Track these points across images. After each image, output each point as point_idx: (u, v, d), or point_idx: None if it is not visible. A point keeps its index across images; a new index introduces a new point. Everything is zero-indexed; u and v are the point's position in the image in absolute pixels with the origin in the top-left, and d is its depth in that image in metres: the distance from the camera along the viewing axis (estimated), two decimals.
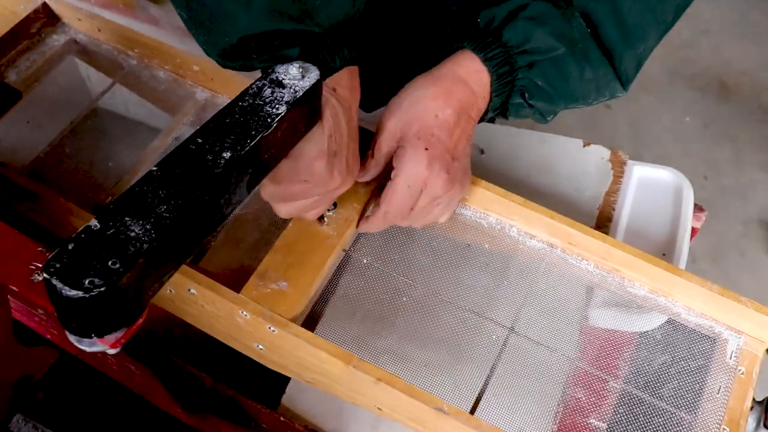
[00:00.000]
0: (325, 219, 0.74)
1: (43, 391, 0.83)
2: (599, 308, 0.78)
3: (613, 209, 0.93)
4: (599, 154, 0.99)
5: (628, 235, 0.91)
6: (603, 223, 0.92)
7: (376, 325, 0.73)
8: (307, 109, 0.61)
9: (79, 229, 0.48)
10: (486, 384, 0.69)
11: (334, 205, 0.74)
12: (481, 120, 0.76)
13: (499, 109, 0.78)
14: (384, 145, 0.72)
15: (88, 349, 0.51)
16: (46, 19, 0.87)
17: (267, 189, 0.67)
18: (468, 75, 0.73)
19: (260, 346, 0.71)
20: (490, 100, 0.75)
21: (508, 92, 0.76)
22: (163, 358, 0.76)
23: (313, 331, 0.71)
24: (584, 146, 1.00)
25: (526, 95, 0.76)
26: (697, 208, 1.00)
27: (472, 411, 0.67)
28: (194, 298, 0.70)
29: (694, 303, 0.74)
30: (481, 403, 0.67)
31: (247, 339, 0.72)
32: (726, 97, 2.56)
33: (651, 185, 0.96)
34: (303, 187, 0.66)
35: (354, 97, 0.69)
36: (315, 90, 0.60)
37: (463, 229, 0.79)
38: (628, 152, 1.00)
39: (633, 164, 0.98)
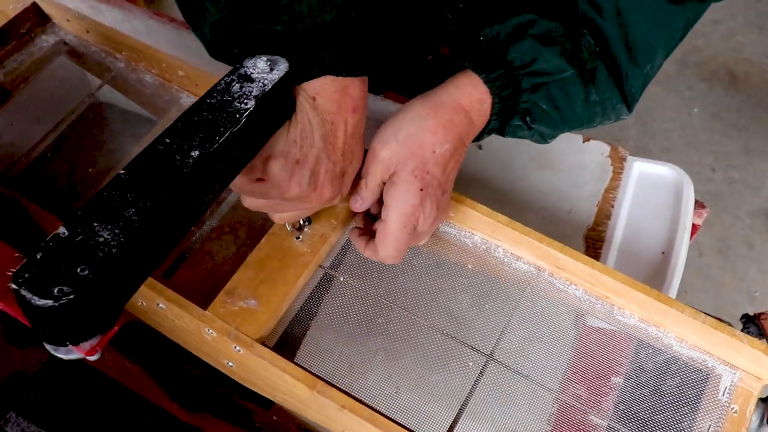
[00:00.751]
0: (300, 236, 0.71)
1: (34, 390, 0.82)
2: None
3: (612, 206, 0.92)
4: (599, 149, 0.97)
5: (626, 232, 0.89)
6: (601, 220, 0.90)
7: (349, 346, 0.71)
8: (278, 103, 0.59)
9: (48, 238, 0.47)
10: (459, 414, 0.66)
11: (309, 221, 0.72)
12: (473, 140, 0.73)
13: (495, 131, 0.74)
14: (377, 176, 0.68)
15: (65, 357, 0.51)
16: (35, 19, 0.86)
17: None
18: (470, 104, 0.69)
19: (230, 363, 0.69)
20: (488, 123, 0.71)
21: (509, 115, 0.73)
22: (157, 355, 0.74)
23: (290, 352, 0.69)
24: (584, 142, 0.98)
25: (528, 119, 0.73)
26: (698, 204, 0.97)
27: None
28: (164, 312, 0.68)
29: (687, 335, 0.70)
30: None
31: (216, 355, 0.70)
32: (735, 88, 2.50)
33: (651, 182, 0.95)
34: (259, 184, 0.62)
35: (341, 114, 0.63)
36: (285, 82, 0.58)
37: (446, 247, 0.76)
38: (634, 144, 1.00)
39: (633, 160, 0.96)
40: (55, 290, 0.45)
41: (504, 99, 0.70)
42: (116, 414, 0.80)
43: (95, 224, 0.48)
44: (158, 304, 0.67)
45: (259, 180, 0.62)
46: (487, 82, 0.69)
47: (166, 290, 0.67)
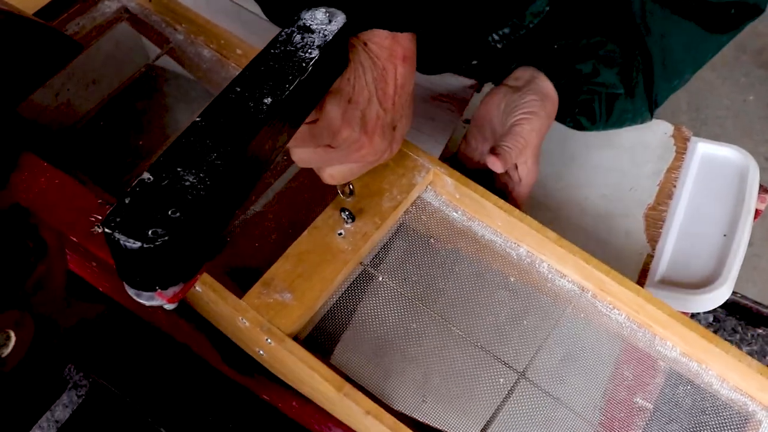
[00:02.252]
0: (342, 232, 0.70)
1: (95, 342, 0.84)
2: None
3: (674, 186, 0.91)
4: (662, 129, 0.96)
5: (688, 213, 0.90)
6: (663, 199, 0.90)
7: (381, 349, 0.70)
8: (337, 53, 0.60)
9: (134, 183, 0.48)
10: (484, 430, 0.65)
11: (353, 218, 0.70)
12: None
13: None
14: (526, 151, 0.77)
15: (147, 303, 0.52)
16: None
17: None
18: (555, 96, 0.81)
19: (261, 352, 0.69)
20: None
21: (565, 111, 0.83)
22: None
23: (319, 348, 0.69)
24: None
25: (576, 109, 0.84)
26: (762, 189, 0.95)
27: None
28: (199, 294, 0.68)
29: (730, 375, 0.68)
30: None
31: (249, 342, 0.70)
32: None
33: (715, 163, 0.94)
34: (311, 126, 0.63)
35: (391, 61, 0.65)
36: (342, 33, 0.59)
37: (490, 256, 0.74)
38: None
39: (696, 141, 0.95)
40: (149, 232, 0.46)
41: (567, 96, 0.81)
42: (167, 369, 0.80)
43: (179, 169, 0.49)
44: (195, 287, 0.67)
45: (311, 123, 0.63)
46: (557, 86, 0.80)
47: (204, 274, 0.67)
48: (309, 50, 0.57)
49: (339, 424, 0.70)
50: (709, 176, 0.93)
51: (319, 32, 0.58)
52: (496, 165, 0.75)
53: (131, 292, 0.51)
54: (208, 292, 0.67)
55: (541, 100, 0.79)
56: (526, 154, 0.78)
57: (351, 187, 0.72)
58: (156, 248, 0.46)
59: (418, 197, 0.75)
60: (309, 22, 0.59)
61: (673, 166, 0.93)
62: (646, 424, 0.68)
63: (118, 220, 0.46)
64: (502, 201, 0.73)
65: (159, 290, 0.51)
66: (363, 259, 0.72)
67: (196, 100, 0.90)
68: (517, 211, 0.72)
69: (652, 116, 0.88)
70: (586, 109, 0.84)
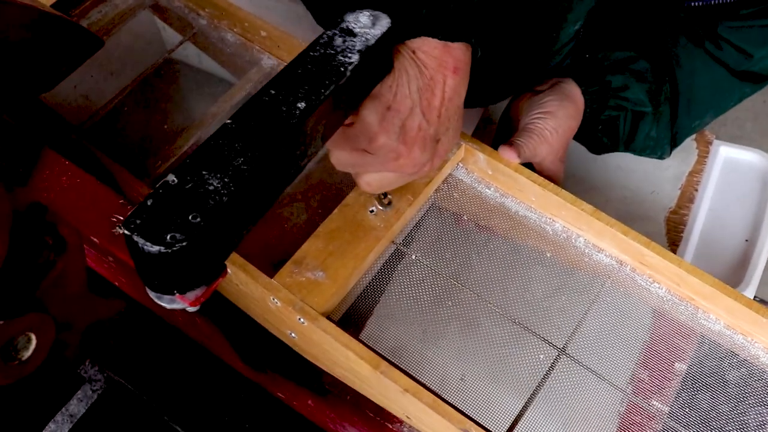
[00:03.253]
0: (374, 209, 0.69)
1: (113, 339, 0.83)
2: None
3: (696, 189, 0.91)
4: None
5: (709, 217, 0.89)
6: (684, 203, 0.89)
7: (415, 327, 0.69)
8: (379, 58, 0.58)
9: (157, 185, 0.48)
10: (525, 409, 0.63)
11: (385, 195, 0.69)
12: None
13: None
14: (542, 148, 0.76)
15: (168, 306, 0.51)
16: None
17: None
18: (581, 100, 0.81)
19: (293, 334, 0.68)
20: None
21: (591, 123, 0.83)
22: (227, 313, 0.74)
23: (354, 328, 0.67)
24: None
25: (600, 127, 0.83)
26: None
27: None
28: (229, 277, 0.67)
29: None
30: (517, 428, 0.62)
31: (280, 324, 0.69)
32: None
33: (737, 167, 0.94)
34: (348, 129, 0.61)
35: (441, 72, 0.61)
36: (386, 38, 0.57)
37: (525, 232, 0.72)
38: (707, 130, 0.94)
39: (719, 144, 0.94)
40: (168, 237, 0.45)
41: (593, 111, 0.81)
42: (185, 366, 0.80)
43: (204, 172, 0.48)
44: None
45: (348, 126, 0.61)
46: (584, 93, 0.80)
47: (233, 254, 0.65)
48: (349, 54, 0.55)
49: (354, 423, 0.69)
50: (731, 180, 0.92)
51: (362, 36, 0.56)
52: (507, 153, 0.73)
53: (152, 295, 0.50)
54: (238, 273, 0.65)
55: (560, 101, 0.78)
56: (542, 152, 0.76)
57: (389, 197, 0.69)
58: (174, 253, 0.45)
59: (450, 174, 0.74)
60: (352, 24, 0.57)
61: (695, 170, 0.92)
62: (678, 399, 0.66)
63: (138, 222, 0.45)
64: (536, 175, 0.71)
65: (178, 294, 0.50)
66: (395, 238, 0.70)
67: (214, 92, 0.90)
68: (552, 184, 0.71)
69: (670, 153, 0.87)
70: (610, 127, 0.84)
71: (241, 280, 0.66)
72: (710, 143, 0.94)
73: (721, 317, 0.67)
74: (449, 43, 0.60)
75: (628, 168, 0.91)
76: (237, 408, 0.76)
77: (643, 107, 0.82)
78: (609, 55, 0.82)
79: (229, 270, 0.66)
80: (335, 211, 0.69)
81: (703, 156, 0.93)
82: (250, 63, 0.81)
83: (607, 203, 0.88)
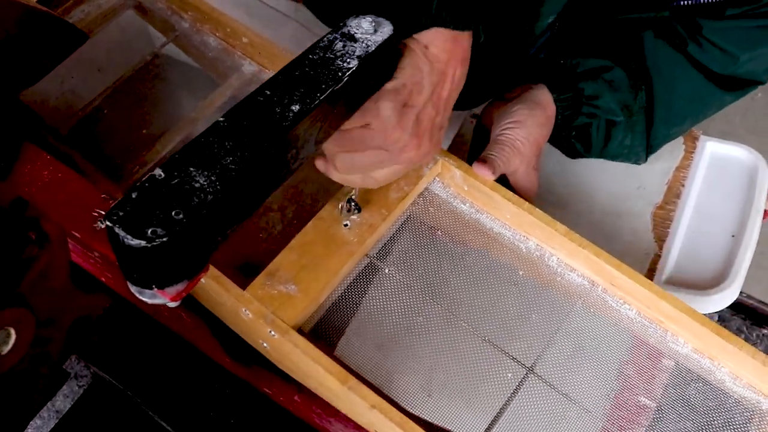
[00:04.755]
0: (348, 223, 0.69)
1: (97, 335, 0.83)
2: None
3: (683, 185, 0.91)
4: None
5: (696, 213, 0.88)
6: (671, 198, 0.89)
7: (386, 342, 0.69)
8: (379, 65, 0.58)
9: (144, 178, 0.47)
10: (491, 426, 0.63)
11: (359, 209, 0.69)
12: None
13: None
14: (515, 159, 0.76)
15: (149, 301, 0.51)
16: None
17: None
18: (552, 106, 0.80)
19: (265, 344, 0.68)
20: None
21: (562, 129, 0.82)
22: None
23: (324, 341, 0.67)
24: None
25: (573, 133, 0.83)
26: None
27: None
28: (202, 286, 0.67)
29: (743, 373, 0.66)
30: None
31: (252, 334, 0.69)
32: None
33: (724, 162, 0.93)
34: (363, 131, 0.61)
35: (452, 64, 0.63)
36: (388, 45, 0.57)
37: (499, 249, 0.73)
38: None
39: (706, 140, 0.94)
40: (149, 231, 0.45)
41: (565, 118, 0.81)
42: (171, 362, 0.80)
43: (191, 169, 0.48)
44: None
45: (363, 127, 0.62)
46: (556, 101, 0.80)
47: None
48: (348, 60, 0.55)
49: (340, 419, 0.69)
50: (718, 175, 0.92)
51: (362, 42, 0.56)
52: (482, 170, 0.73)
53: (133, 289, 0.50)
54: (211, 283, 0.65)
55: (530, 109, 0.78)
56: (515, 163, 0.76)
57: (356, 203, 0.70)
58: (154, 248, 0.45)
59: (426, 189, 0.74)
60: (354, 30, 0.57)
61: (681, 165, 0.92)
62: (652, 422, 0.67)
63: (120, 214, 0.45)
64: (511, 193, 0.72)
65: (157, 288, 0.49)
66: (369, 251, 0.70)
67: (202, 89, 0.89)
68: (527, 203, 0.71)
69: (646, 159, 0.87)
70: (583, 134, 0.84)
71: (213, 290, 0.66)
72: (697, 139, 0.94)
73: (689, 341, 0.68)
74: (458, 35, 0.62)
75: (614, 164, 0.90)
76: (223, 403, 0.76)
77: (614, 116, 0.82)
78: (583, 62, 0.82)
79: (202, 279, 0.66)
80: (309, 224, 0.69)
81: (690, 152, 0.93)
82: (231, 68, 0.81)
83: (593, 199, 0.88)
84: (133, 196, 0.46)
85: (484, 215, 0.73)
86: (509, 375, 0.66)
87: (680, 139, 0.93)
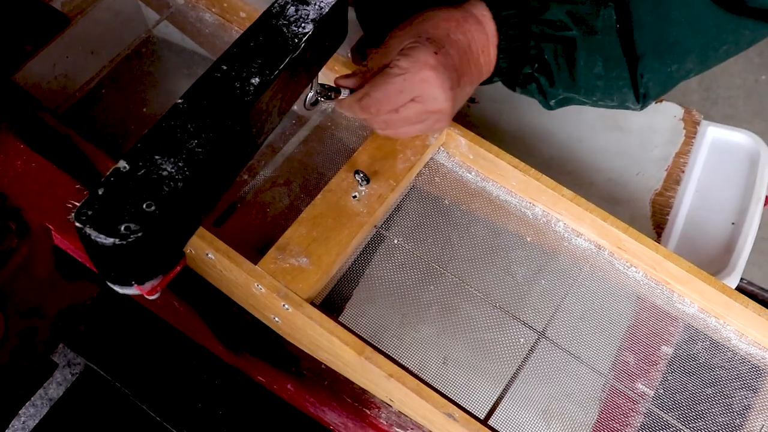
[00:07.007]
0: (357, 195, 0.69)
1: (84, 324, 0.83)
2: None
3: (683, 171, 0.88)
4: (672, 111, 0.92)
5: (696, 199, 0.87)
6: (670, 185, 0.87)
7: (398, 312, 0.69)
8: (333, 26, 0.57)
9: (108, 173, 0.45)
10: (505, 391, 0.64)
11: (367, 180, 0.69)
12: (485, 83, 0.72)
13: (505, 78, 0.73)
14: (389, 53, 0.65)
15: (128, 292, 0.50)
16: None
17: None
18: (484, 18, 0.68)
19: (276, 319, 0.68)
20: (496, 64, 0.70)
21: (518, 60, 0.70)
22: (207, 297, 0.74)
23: (336, 312, 0.68)
24: (656, 102, 0.92)
25: (535, 65, 0.70)
26: None
27: (486, 419, 0.62)
28: (212, 262, 0.67)
29: (748, 330, 0.68)
30: (497, 411, 0.63)
31: (263, 309, 0.69)
32: None
33: (725, 148, 0.91)
34: (415, 106, 0.64)
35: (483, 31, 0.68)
36: (340, 5, 0.56)
37: (505, 216, 0.73)
38: (695, 110, 0.93)
39: (707, 125, 0.92)
40: (122, 228, 0.43)
41: (511, 39, 0.68)
42: (161, 351, 0.80)
43: (157, 157, 0.46)
44: (207, 254, 0.66)
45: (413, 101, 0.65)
46: (496, 18, 0.68)
47: (216, 240, 0.66)
48: (303, 24, 0.53)
49: (334, 408, 0.69)
50: (718, 162, 0.90)
51: (315, 4, 0.54)
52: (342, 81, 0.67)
53: (113, 286, 0.49)
54: (222, 260, 0.65)
55: (437, 10, 0.68)
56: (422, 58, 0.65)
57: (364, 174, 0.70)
58: (129, 245, 0.44)
59: (431, 159, 0.74)
60: None
61: (681, 151, 0.89)
62: (660, 383, 0.68)
63: (89, 213, 0.44)
64: (517, 161, 0.72)
65: (137, 284, 0.48)
66: (378, 222, 0.71)
67: (197, 68, 0.88)
68: (533, 170, 0.71)
69: (639, 103, 0.73)
70: (542, 64, 0.70)
71: (225, 266, 0.66)
72: (698, 124, 0.92)
73: (695, 301, 0.69)
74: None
75: (613, 150, 0.89)
76: (216, 393, 0.76)
77: (565, 31, 0.68)
78: None
79: (212, 256, 0.66)
80: (318, 196, 0.69)
81: (690, 137, 0.91)
82: (228, 44, 0.79)
83: (592, 185, 0.87)
84: (100, 192, 0.45)
85: (490, 183, 0.74)
86: (521, 340, 0.67)
87: (681, 124, 0.91)
